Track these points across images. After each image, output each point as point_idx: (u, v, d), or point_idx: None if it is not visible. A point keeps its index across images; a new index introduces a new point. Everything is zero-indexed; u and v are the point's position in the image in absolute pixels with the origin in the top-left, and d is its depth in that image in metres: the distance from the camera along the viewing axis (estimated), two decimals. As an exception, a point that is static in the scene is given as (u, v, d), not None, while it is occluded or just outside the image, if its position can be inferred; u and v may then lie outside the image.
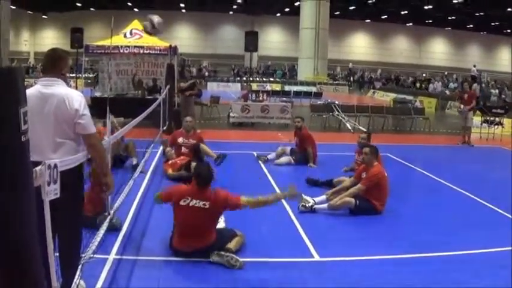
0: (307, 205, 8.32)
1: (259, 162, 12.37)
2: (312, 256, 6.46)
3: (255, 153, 13.09)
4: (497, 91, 30.27)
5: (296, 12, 46.56)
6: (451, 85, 38.77)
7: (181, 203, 6.08)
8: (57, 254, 4.32)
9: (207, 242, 6.09)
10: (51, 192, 3.60)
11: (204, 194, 6.11)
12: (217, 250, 6.07)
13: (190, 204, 6.05)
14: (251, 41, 22.43)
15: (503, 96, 27.33)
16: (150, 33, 19.25)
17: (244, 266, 5.95)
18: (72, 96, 4.46)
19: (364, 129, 18.05)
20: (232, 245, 6.24)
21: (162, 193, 6.46)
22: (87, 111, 4.50)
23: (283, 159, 12.27)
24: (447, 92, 36.99)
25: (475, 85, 31.73)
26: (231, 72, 55.81)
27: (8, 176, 2.88)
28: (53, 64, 4.55)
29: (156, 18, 18.62)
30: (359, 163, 10.03)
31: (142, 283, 5.53)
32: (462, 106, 17.58)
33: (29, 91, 4.25)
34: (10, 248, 2.90)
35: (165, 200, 6.33)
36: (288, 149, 12.63)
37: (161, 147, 12.45)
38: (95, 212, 6.72)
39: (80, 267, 4.74)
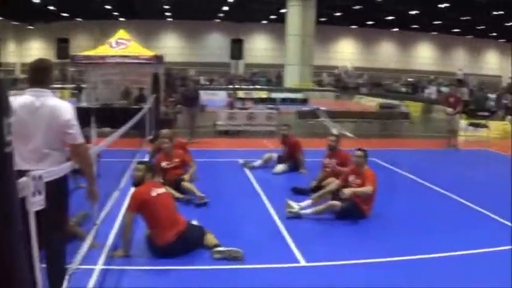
0: (292, 211, 8.35)
1: (245, 169, 12.40)
2: (298, 261, 6.48)
3: (240, 160, 13.09)
4: (494, 95, 30.16)
5: (282, 19, 46.69)
6: (443, 89, 38.71)
7: (152, 193, 6.61)
8: (44, 266, 4.34)
9: (183, 223, 6.79)
10: (36, 203, 3.62)
11: (158, 183, 7.26)
12: (205, 246, 6.68)
13: (159, 192, 6.72)
14: (237, 49, 22.48)
15: (504, 101, 27.25)
16: None
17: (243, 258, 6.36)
18: (63, 107, 4.55)
19: (351, 135, 18.16)
20: (215, 241, 6.71)
21: (129, 208, 6.61)
22: (76, 122, 4.59)
23: (280, 167, 12.16)
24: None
25: (464, 89, 31.90)
26: (219, 80, 55.69)
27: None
28: (42, 75, 4.59)
29: None
30: (329, 168, 10.31)
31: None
32: (449, 109, 17.57)
33: (18, 101, 4.32)
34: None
35: (137, 209, 6.51)
36: (275, 155, 12.66)
37: (147, 156, 12.43)
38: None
39: (66, 277, 4.76)
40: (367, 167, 8.71)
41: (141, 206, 6.51)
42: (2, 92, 2.95)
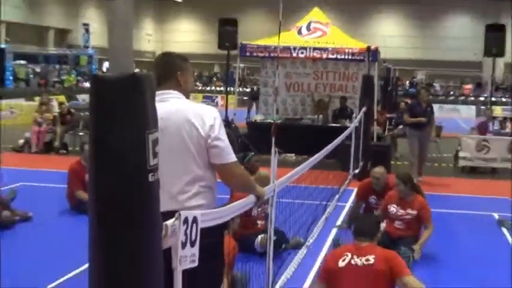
0: None
1: (503, 228, 8.68)
2: None
3: (496, 215, 9.43)
4: None
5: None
6: None
7: (340, 264, 4.43)
8: None
9: None
10: (187, 258, 2.61)
11: (365, 249, 4.50)
12: None
13: (352, 263, 4.40)
14: (494, 40, 14.98)
15: None
16: None
17: None
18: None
19: None
20: None
21: (318, 279, 4.91)
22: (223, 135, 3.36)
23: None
24: None
25: None
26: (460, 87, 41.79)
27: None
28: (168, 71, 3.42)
29: None
30: None
31: None
32: None
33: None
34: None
35: (323, 281, 4.69)
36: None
37: (350, 202, 9.32)
38: None
39: None
40: None
41: (326, 277, 4.64)
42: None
